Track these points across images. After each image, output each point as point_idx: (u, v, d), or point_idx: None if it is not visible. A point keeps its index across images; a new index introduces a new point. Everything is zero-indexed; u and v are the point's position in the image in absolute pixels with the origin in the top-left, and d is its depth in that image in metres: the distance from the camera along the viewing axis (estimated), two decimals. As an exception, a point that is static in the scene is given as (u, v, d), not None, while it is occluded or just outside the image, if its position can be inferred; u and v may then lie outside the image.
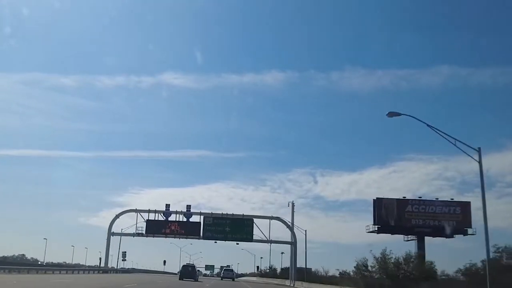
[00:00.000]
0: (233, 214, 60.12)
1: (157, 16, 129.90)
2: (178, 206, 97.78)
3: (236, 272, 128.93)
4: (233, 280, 66.39)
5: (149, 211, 59.68)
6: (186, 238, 61.05)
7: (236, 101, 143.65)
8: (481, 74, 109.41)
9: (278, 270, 77.51)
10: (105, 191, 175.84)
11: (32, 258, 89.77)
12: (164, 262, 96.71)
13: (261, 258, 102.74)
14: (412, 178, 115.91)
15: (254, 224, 59.50)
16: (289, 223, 59.74)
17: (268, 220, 60.22)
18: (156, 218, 59.58)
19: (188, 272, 44.13)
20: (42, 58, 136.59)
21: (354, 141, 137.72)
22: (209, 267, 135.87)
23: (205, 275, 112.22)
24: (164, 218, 59.42)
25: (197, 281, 43.27)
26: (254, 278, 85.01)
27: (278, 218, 60.09)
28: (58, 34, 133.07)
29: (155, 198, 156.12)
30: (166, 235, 59.66)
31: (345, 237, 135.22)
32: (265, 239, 59.92)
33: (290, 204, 61.50)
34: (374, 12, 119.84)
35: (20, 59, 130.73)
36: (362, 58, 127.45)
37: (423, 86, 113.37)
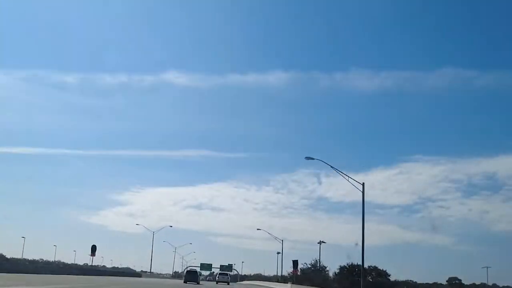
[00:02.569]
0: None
1: (160, 15, 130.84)
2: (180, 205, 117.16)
3: (238, 273, 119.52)
4: (228, 283, 59.14)
5: None
6: None
7: (239, 101, 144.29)
8: (486, 77, 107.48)
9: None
10: (106, 189, 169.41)
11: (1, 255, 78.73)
12: (93, 249, 47.91)
13: (278, 253, 78.61)
14: (418, 180, 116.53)
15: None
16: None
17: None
18: None
19: (192, 276, 50.13)
20: (43, 55, 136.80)
21: (359, 141, 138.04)
22: (206, 267, 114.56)
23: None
24: None
25: (198, 283, 49.38)
26: (286, 286, 44.46)
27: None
28: (60, 32, 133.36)
29: (156, 197, 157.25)
30: None
31: (348, 239, 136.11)
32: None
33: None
34: (379, 14, 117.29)
35: (21, 56, 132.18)
36: (366, 59, 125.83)
37: (428, 88, 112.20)
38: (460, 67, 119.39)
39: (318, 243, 57.12)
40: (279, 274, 65.01)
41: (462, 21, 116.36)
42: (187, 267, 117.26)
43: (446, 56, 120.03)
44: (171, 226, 77.39)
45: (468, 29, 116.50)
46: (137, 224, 73.06)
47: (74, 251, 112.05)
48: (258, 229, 64.27)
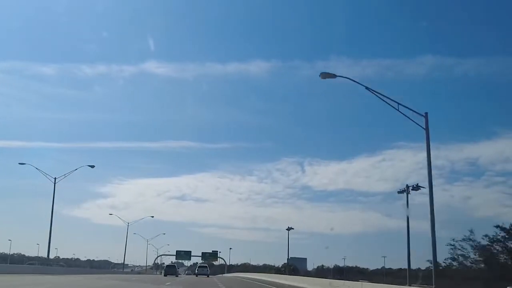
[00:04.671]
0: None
1: (139, 4, 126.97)
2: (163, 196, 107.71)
3: (226, 263, 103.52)
4: (208, 276, 55.02)
5: None
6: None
7: (221, 91, 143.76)
8: (466, 64, 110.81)
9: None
10: (88, 182, 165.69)
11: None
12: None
13: (289, 229, 71.43)
14: (401, 167, 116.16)
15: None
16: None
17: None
18: None
19: (171, 270, 54.94)
20: (21, 46, 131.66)
21: (343, 130, 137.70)
22: (183, 255, 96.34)
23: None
24: None
25: (177, 276, 52.77)
26: None
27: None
28: (38, 22, 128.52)
29: (139, 188, 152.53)
30: None
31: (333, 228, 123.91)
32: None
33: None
34: (359, 2, 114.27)
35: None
36: (347, 47, 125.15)
37: (408, 76, 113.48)
38: (440, 54, 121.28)
39: (412, 187, 43.73)
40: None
41: (441, 9, 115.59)
42: (158, 256, 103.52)
43: (426, 44, 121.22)
44: (92, 167, 51.81)
45: (448, 16, 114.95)
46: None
47: (56, 248, 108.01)
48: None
